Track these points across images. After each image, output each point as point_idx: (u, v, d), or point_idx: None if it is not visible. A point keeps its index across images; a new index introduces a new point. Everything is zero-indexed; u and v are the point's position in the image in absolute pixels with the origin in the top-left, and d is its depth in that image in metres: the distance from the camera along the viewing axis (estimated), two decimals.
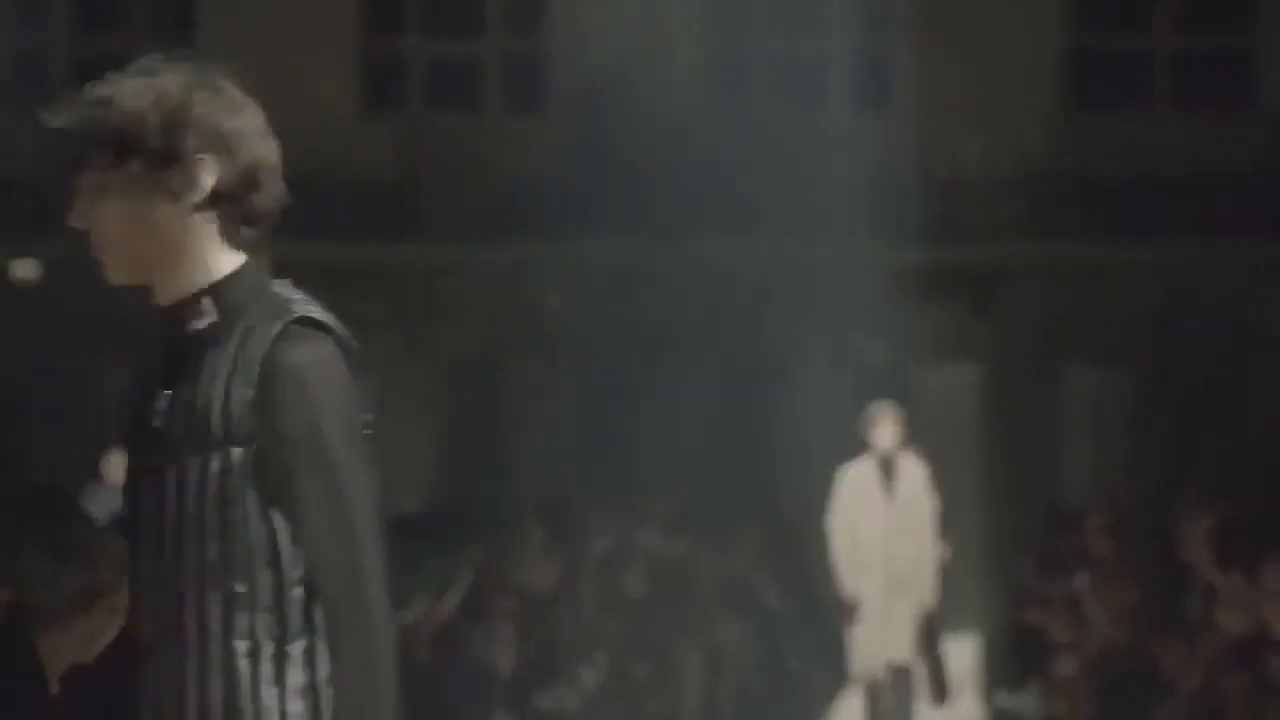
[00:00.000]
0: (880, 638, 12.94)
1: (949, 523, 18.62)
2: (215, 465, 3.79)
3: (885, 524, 13.23)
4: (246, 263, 4.01)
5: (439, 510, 8.66)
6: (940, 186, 25.96)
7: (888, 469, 13.36)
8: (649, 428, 24.04)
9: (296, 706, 3.74)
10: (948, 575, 18.59)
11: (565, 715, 9.16)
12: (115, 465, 21.24)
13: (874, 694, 13.07)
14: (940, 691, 13.09)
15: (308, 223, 24.58)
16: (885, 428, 13.39)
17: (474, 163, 25.86)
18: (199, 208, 3.90)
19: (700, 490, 17.94)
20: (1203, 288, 25.20)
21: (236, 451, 3.79)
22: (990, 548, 22.33)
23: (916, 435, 18.33)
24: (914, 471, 13.40)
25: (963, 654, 19.85)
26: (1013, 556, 19.87)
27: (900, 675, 13.02)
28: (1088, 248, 25.26)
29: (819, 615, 17.25)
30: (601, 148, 25.76)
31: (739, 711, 14.33)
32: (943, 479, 18.60)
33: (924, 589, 13.25)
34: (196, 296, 3.96)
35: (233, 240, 3.98)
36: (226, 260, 3.98)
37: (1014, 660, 15.85)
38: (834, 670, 15.97)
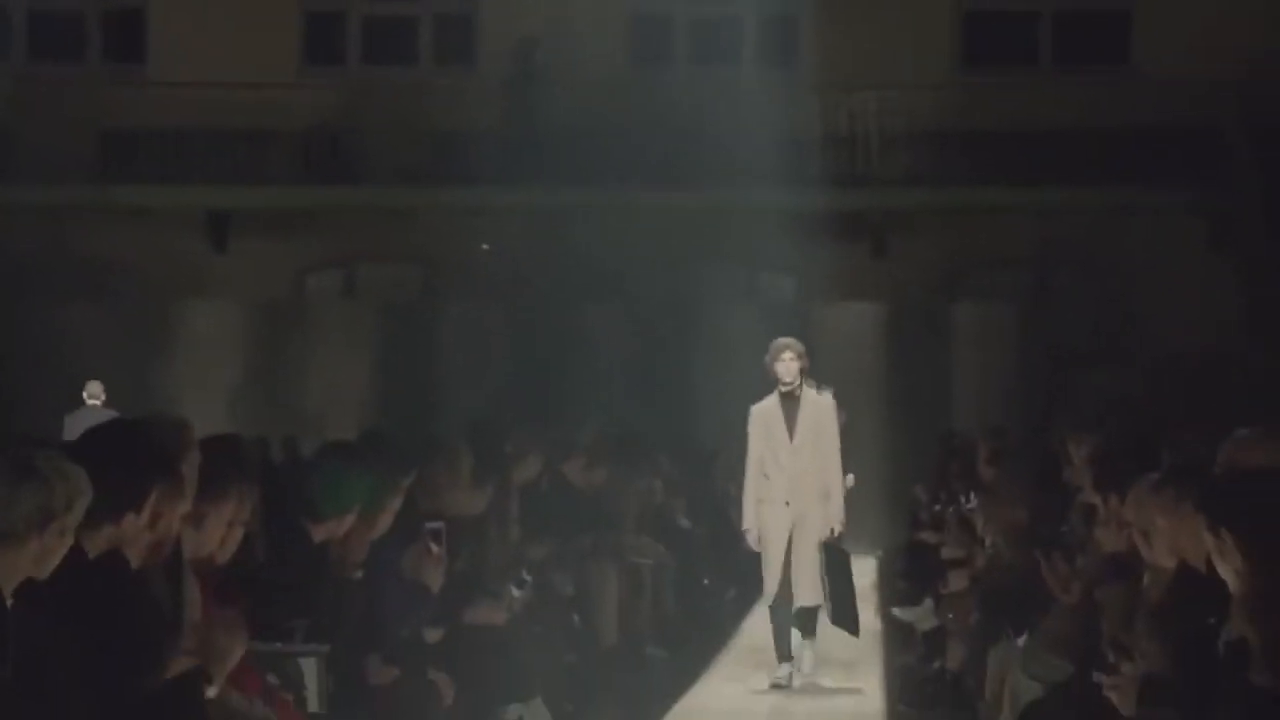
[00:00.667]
0: (786, 576, 12.46)
1: (849, 452, 18.69)
2: None
3: (792, 459, 12.59)
4: None
5: (373, 437, 8.58)
6: (841, 139, 25.97)
7: (792, 403, 12.71)
8: (574, 364, 24.02)
9: None
10: (849, 501, 18.67)
11: (493, 630, 9.11)
12: (94, 390, 21.44)
13: (781, 624, 12.67)
14: (853, 624, 12.60)
15: (252, 171, 24.22)
16: (788, 362, 12.70)
17: (409, 115, 25.70)
18: None
19: (621, 421, 17.91)
20: (1081, 232, 25.30)
21: None
22: (887, 474, 22.42)
23: (818, 370, 18.36)
24: (820, 405, 12.94)
25: (863, 573, 19.92)
26: (908, 482, 19.95)
27: (807, 612, 12.60)
28: (976, 195, 25.32)
29: (733, 539, 17.29)
30: (529, 102, 25.65)
31: (656, 626, 14.36)
32: (843, 411, 18.63)
33: (833, 521, 12.60)
34: None
35: None
36: None
37: (909, 577, 15.91)
38: (746, 589, 16.01)
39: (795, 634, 12.67)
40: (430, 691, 7.93)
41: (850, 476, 18.21)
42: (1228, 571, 5.00)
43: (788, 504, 12.51)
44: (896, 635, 14.68)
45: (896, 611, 14.90)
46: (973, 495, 12.31)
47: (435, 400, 23.16)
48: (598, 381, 22.75)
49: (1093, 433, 9.05)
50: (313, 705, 6.62)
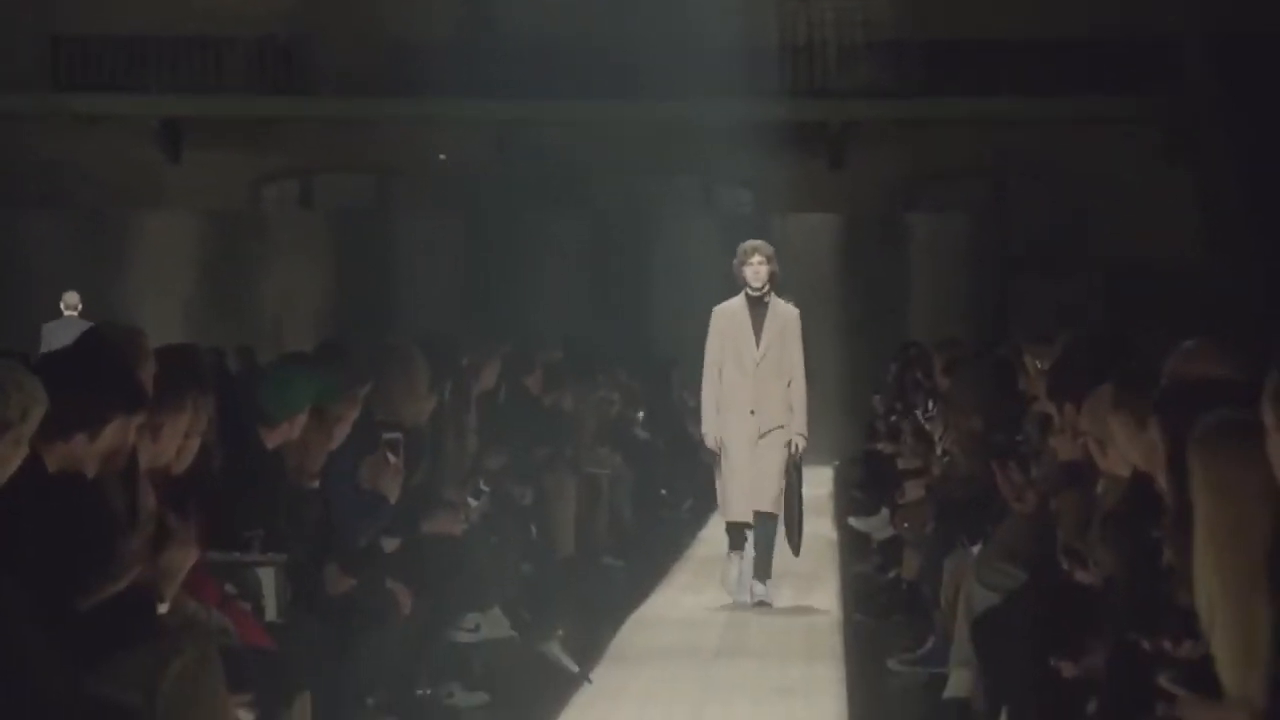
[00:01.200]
0: (747, 485, 12.01)
1: (807, 362, 18.72)
2: None
3: (758, 366, 12.10)
4: None
5: (329, 347, 8.52)
6: (798, 50, 25.89)
7: (761, 309, 12.14)
8: (530, 276, 23.99)
9: None
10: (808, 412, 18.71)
11: (450, 540, 9.12)
12: (70, 300, 21.44)
13: (737, 533, 12.47)
14: (797, 542, 12.18)
15: (207, 79, 24.07)
16: (757, 266, 12.11)
17: (366, 24, 25.55)
18: None
19: (579, 334, 17.91)
20: (1037, 142, 25.32)
21: None
22: (844, 385, 22.49)
23: (778, 280, 18.35)
24: (788, 314, 12.30)
25: (820, 484, 20.01)
26: (865, 393, 20.00)
27: (765, 519, 12.14)
28: (933, 106, 25.30)
29: (690, 450, 17.33)
30: (487, 12, 25.52)
31: (613, 537, 14.41)
32: (801, 321, 18.65)
33: (793, 431, 12.08)
34: None
35: None
36: None
37: (865, 487, 15.99)
38: (703, 500, 16.06)
39: (749, 553, 12.17)
40: (388, 601, 7.94)
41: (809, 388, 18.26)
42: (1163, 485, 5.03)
43: (753, 413, 12.05)
44: (853, 545, 14.75)
45: (853, 521, 14.96)
46: (931, 404, 12.34)
47: (392, 311, 23.13)
48: (555, 293, 22.74)
49: (1048, 342, 9.05)
50: (270, 614, 6.62)
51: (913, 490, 11.41)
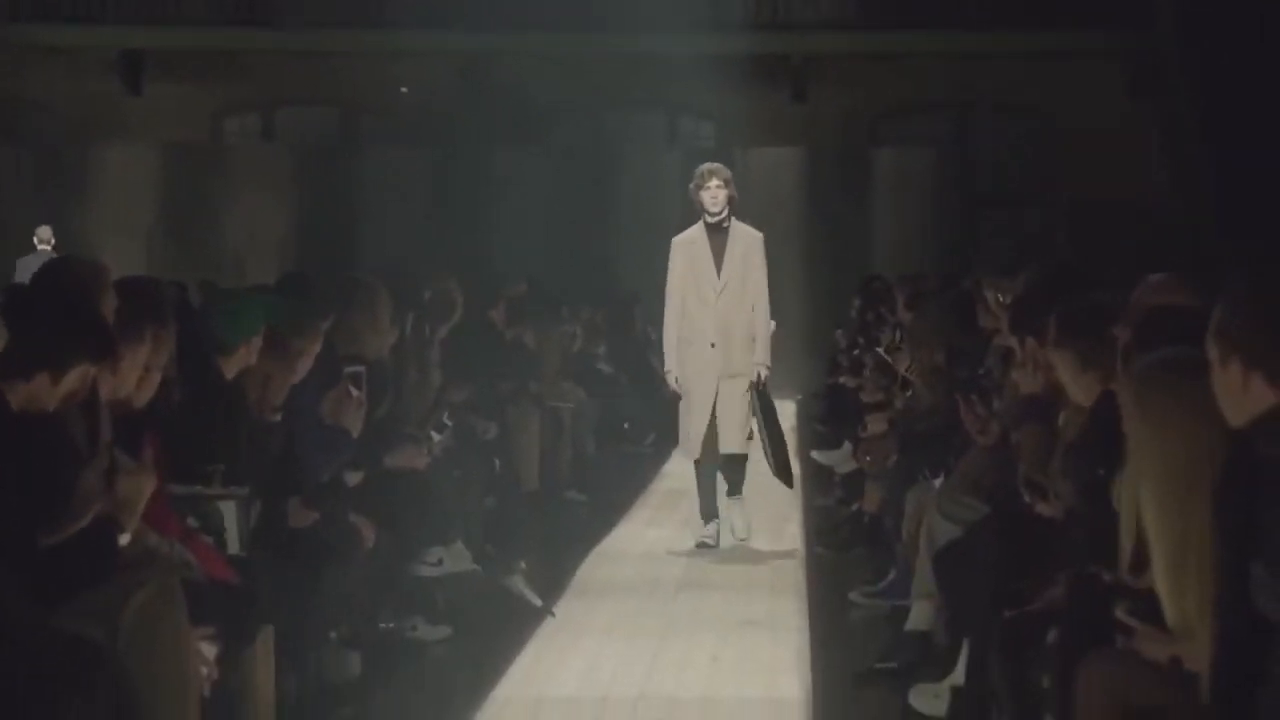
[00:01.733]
0: (711, 424, 11.55)
1: (771, 297, 18.74)
2: None
3: (720, 297, 11.59)
4: None
5: (291, 280, 8.48)
6: None
7: (720, 235, 11.57)
8: (494, 208, 23.94)
9: None
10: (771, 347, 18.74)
11: (413, 474, 9.12)
12: (43, 235, 21.41)
13: (707, 480, 11.80)
14: (788, 475, 11.64)
15: (167, 10, 23.83)
16: (715, 190, 11.48)
17: None
18: None
19: (543, 268, 17.90)
20: (1001, 77, 25.30)
21: None
22: (807, 319, 22.51)
23: (742, 212, 18.35)
24: (750, 240, 11.67)
25: (782, 417, 20.05)
26: (827, 326, 20.04)
27: (733, 461, 11.77)
28: (897, 40, 25.25)
29: (653, 383, 17.35)
30: None
31: (576, 471, 14.43)
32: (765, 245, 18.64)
33: (759, 364, 11.60)
34: None
35: None
36: None
37: (828, 421, 16.02)
38: (666, 434, 16.09)
39: (720, 491, 11.86)
40: (351, 535, 7.95)
41: (772, 323, 18.23)
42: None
43: (714, 346, 11.56)
44: (815, 478, 14.79)
45: (815, 455, 14.99)
46: (895, 337, 12.36)
47: (354, 244, 23.08)
48: (518, 227, 22.70)
49: (1010, 276, 9.07)
50: (233, 547, 6.62)
51: (875, 424, 11.43)
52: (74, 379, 5.51)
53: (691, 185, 11.62)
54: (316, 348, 7.86)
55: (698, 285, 11.60)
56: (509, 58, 24.89)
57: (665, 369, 11.85)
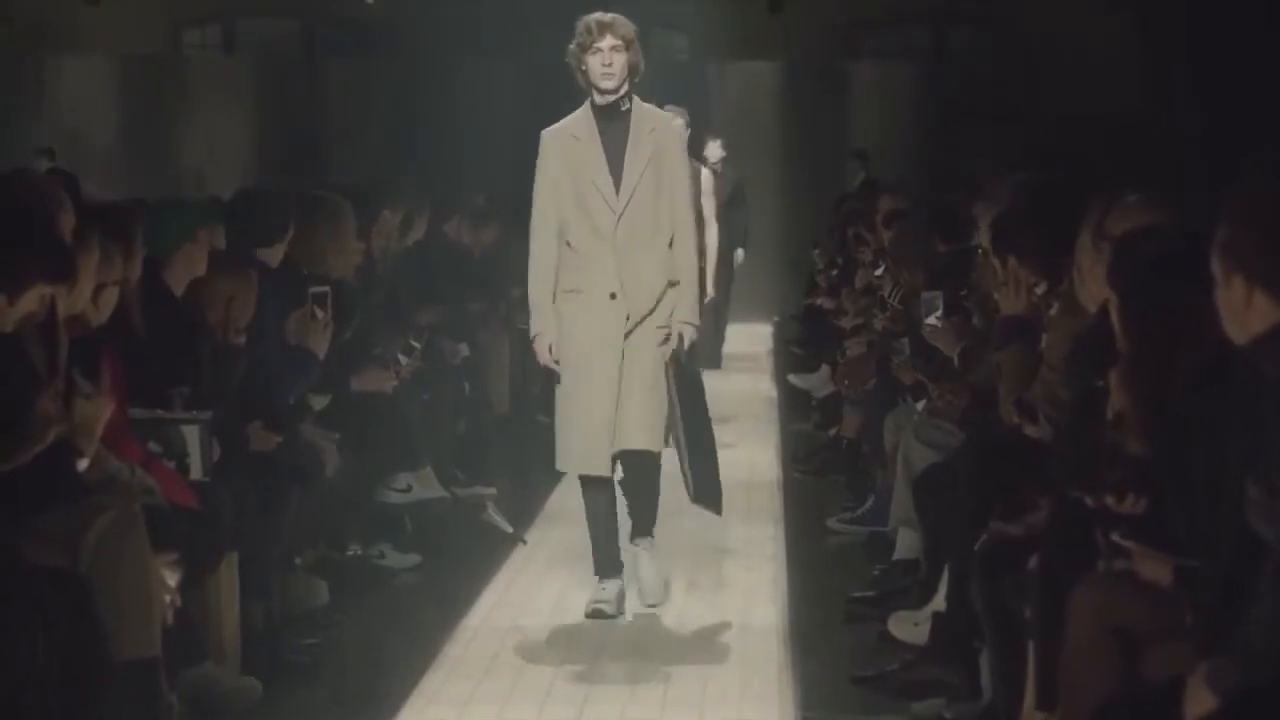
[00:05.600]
0: (607, 413, 8.09)
1: (749, 218, 18.73)
2: None
3: (617, 216, 7.99)
4: None
5: (248, 196, 8.41)
6: None
7: (616, 124, 7.95)
8: (461, 122, 23.84)
9: None
10: (747, 267, 18.72)
11: (381, 398, 9.13)
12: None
13: (601, 507, 8.36)
14: (716, 498, 7.96)
15: None
16: (608, 53, 7.98)
17: None
18: None
19: (514, 184, 17.83)
20: None
21: None
22: (783, 238, 22.50)
23: (717, 130, 18.31)
24: (662, 128, 8.13)
25: (759, 340, 20.09)
26: (804, 246, 20.03)
27: (640, 462, 8.21)
28: None
29: None
30: None
31: (547, 392, 14.43)
32: (736, 165, 18.62)
33: (682, 324, 8.07)
34: None
35: None
36: None
37: (805, 344, 16.05)
38: None
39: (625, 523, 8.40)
40: (315, 459, 7.96)
41: (740, 252, 18.18)
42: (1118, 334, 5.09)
43: (614, 296, 7.96)
44: (792, 402, 14.83)
45: (792, 379, 15.03)
46: (870, 259, 12.35)
47: (319, 160, 22.98)
48: (486, 139, 22.61)
49: (992, 193, 9.07)
50: (195, 473, 6.63)
51: (854, 347, 11.46)
52: (31, 299, 5.50)
53: (571, 47, 8.12)
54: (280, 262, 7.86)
55: (584, 204, 8.02)
56: None
57: (532, 333, 8.13)
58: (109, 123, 24.54)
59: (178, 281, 7.22)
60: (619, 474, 8.26)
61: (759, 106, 24.38)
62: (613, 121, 8.12)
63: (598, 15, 8.13)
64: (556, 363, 8.14)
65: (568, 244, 8.07)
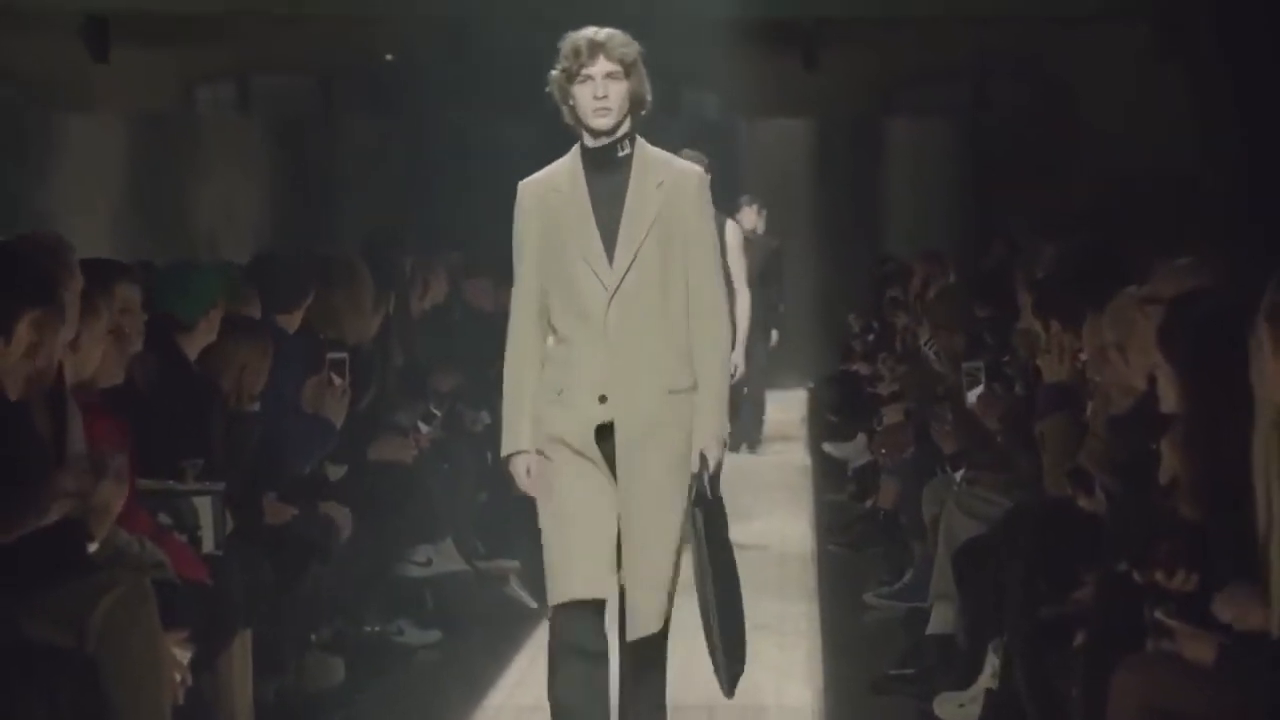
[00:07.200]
0: (601, 549, 6.36)
1: (779, 278, 18.73)
2: None
3: (609, 294, 6.17)
4: None
5: (266, 261, 8.43)
6: None
7: (612, 173, 6.45)
8: (483, 183, 23.91)
9: None
10: (782, 328, 18.71)
11: (399, 467, 9.13)
12: None
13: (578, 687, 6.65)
14: (733, 675, 6.26)
15: None
16: (600, 81, 6.40)
17: None
18: None
19: None
20: (1022, 41, 25.26)
21: None
22: (818, 301, 22.51)
23: (748, 188, 18.35)
24: (672, 175, 6.64)
25: (792, 407, 20.07)
26: (840, 309, 20.02)
27: (641, 658, 6.53)
28: (909, 3, 25.21)
29: None
30: None
31: None
32: (773, 232, 18.66)
33: (706, 441, 6.26)
34: None
35: None
36: None
37: (841, 411, 16.02)
38: None
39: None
40: (332, 532, 7.96)
41: (774, 333, 18.09)
42: (1168, 400, 5.09)
43: (604, 400, 6.23)
44: (826, 472, 14.80)
45: (827, 447, 15.01)
46: (908, 323, 12.34)
47: (335, 221, 23.07)
48: (506, 200, 22.66)
49: (1034, 256, 9.07)
50: (207, 546, 6.63)
51: (891, 414, 11.44)
52: (24, 332, 5.50)
53: (555, 74, 6.56)
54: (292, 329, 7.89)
55: (568, 277, 6.37)
56: (497, 22, 24.85)
57: (505, 450, 6.40)
58: (118, 183, 24.66)
59: (193, 348, 7.24)
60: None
61: (792, 165, 24.43)
62: (607, 170, 6.47)
63: (589, 32, 6.56)
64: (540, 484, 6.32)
65: (553, 329, 6.42)
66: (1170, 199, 21.89)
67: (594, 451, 6.23)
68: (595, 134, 6.45)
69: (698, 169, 6.61)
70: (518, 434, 6.35)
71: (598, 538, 6.25)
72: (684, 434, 6.25)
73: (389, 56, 26.06)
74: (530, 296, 6.44)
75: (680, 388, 6.29)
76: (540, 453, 6.29)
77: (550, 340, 6.42)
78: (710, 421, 6.27)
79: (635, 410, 6.23)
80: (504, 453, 6.38)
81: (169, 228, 23.46)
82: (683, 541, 6.23)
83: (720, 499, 6.23)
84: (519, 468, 6.36)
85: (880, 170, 24.67)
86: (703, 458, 6.21)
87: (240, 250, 19.06)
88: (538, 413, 6.32)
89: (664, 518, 6.22)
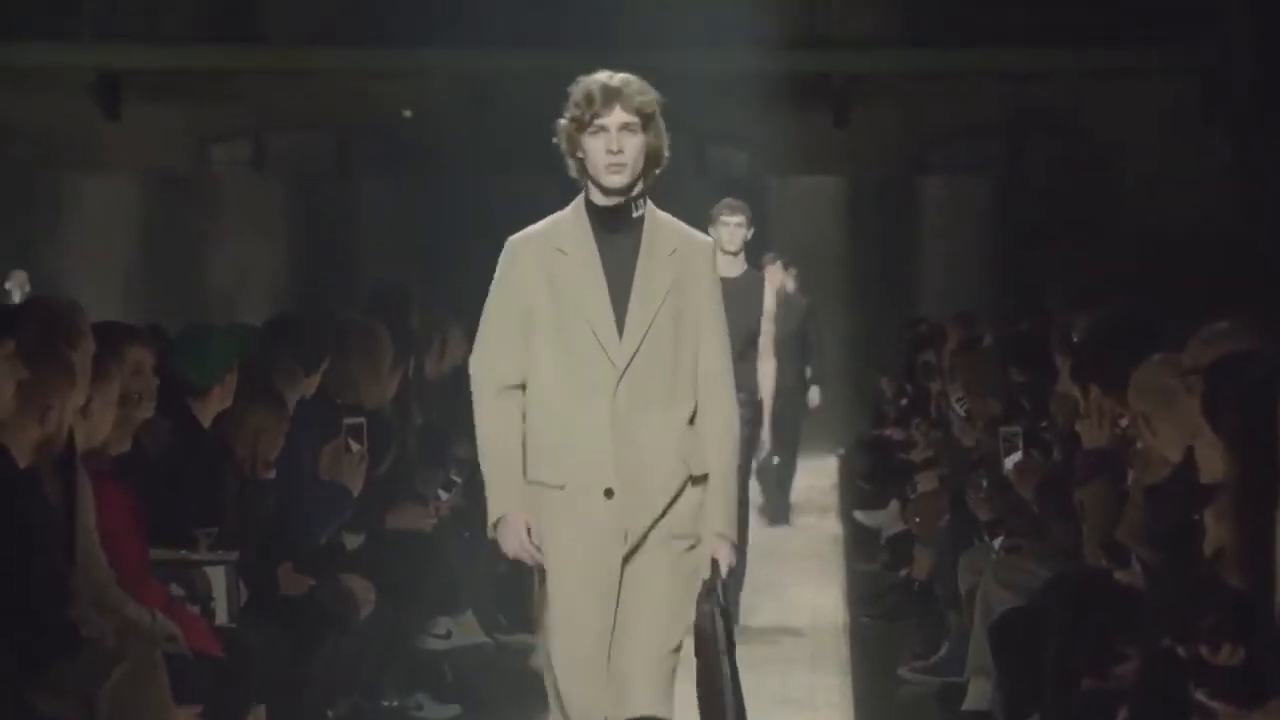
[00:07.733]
0: (602, 665, 5.88)
1: (807, 340, 18.73)
2: None
3: (619, 372, 5.76)
4: None
5: (281, 324, 8.43)
6: None
7: (622, 233, 5.89)
8: (497, 242, 23.95)
9: None
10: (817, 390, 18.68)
11: (419, 536, 9.12)
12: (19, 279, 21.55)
13: None
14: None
15: (147, 27, 23.88)
16: (612, 132, 5.95)
17: None
18: None
19: None
20: (1059, 98, 25.30)
21: None
22: (848, 364, 22.48)
23: (778, 247, 18.36)
24: (684, 244, 6.20)
25: (823, 474, 20.03)
26: (871, 373, 20.01)
27: None
28: (945, 58, 25.26)
29: None
30: None
31: None
32: (804, 291, 18.66)
33: (710, 528, 5.83)
34: None
35: None
36: None
37: (873, 478, 15.99)
38: None
39: None
40: (349, 603, 7.93)
41: (814, 392, 18.04)
42: (1210, 468, 5.07)
43: (610, 495, 5.76)
44: (858, 541, 14.75)
45: (859, 515, 14.97)
46: (941, 388, 12.32)
47: (353, 283, 23.09)
48: None
49: (1071, 319, 9.06)
50: (221, 618, 6.62)
51: (925, 481, 11.41)
52: (7, 385, 5.52)
53: (563, 123, 6.17)
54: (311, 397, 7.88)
55: (571, 351, 5.86)
56: (518, 78, 24.93)
57: (493, 515, 5.88)
58: (130, 243, 24.74)
59: (207, 413, 7.24)
60: None
61: (822, 223, 24.44)
62: (618, 232, 5.93)
63: (603, 77, 6.03)
64: (539, 548, 5.80)
65: (539, 410, 5.82)
66: (1210, 259, 21.87)
67: (601, 548, 5.74)
68: (607, 192, 5.93)
69: (709, 240, 6.17)
70: (509, 495, 5.78)
71: (602, 664, 5.80)
72: (689, 528, 5.79)
73: (407, 113, 26.16)
74: (506, 366, 5.84)
75: (691, 478, 5.80)
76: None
77: (536, 418, 5.82)
78: (720, 521, 5.78)
79: (643, 501, 5.74)
80: (492, 516, 5.79)
81: (182, 288, 23.52)
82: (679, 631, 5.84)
83: (726, 608, 5.79)
84: (513, 531, 5.77)
85: (912, 230, 24.68)
86: (714, 563, 5.73)
87: (256, 313, 19.12)
88: (536, 506, 5.78)
89: (669, 607, 5.80)
